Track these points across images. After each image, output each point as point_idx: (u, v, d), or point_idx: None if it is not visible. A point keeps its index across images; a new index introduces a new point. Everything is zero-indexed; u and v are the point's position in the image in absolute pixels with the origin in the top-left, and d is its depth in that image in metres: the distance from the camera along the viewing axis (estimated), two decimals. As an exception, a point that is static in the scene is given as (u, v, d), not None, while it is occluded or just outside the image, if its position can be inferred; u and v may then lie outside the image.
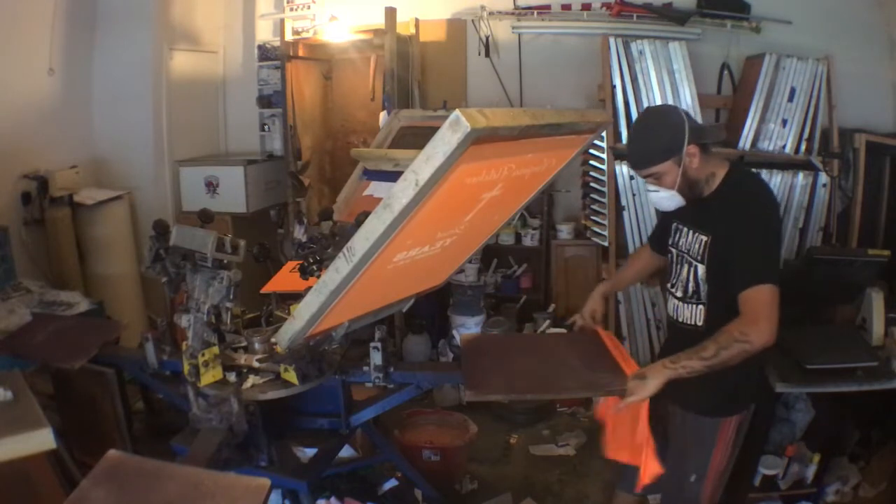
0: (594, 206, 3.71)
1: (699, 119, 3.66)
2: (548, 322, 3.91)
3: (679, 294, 1.92)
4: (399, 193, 1.13)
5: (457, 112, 1.01)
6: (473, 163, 1.16)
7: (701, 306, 1.86)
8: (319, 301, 1.46)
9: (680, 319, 1.93)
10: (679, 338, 1.88)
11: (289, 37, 4.41)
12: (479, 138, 1.04)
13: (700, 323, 1.86)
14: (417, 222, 1.25)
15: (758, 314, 1.64)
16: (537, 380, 1.90)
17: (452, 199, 1.29)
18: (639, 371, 1.76)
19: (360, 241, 1.26)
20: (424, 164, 1.07)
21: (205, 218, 2.04)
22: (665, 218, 2.05)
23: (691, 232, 1.88)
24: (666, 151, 1.76)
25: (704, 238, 1.82)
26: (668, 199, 1.85)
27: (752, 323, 1.64)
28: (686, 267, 1.88)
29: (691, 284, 1.87)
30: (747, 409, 1.97)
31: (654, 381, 1.69)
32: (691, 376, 1.68)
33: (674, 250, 1.96)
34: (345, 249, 1.32)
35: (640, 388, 1.70)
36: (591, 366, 1.92)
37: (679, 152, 1.75)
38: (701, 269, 1.82)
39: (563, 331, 3.68)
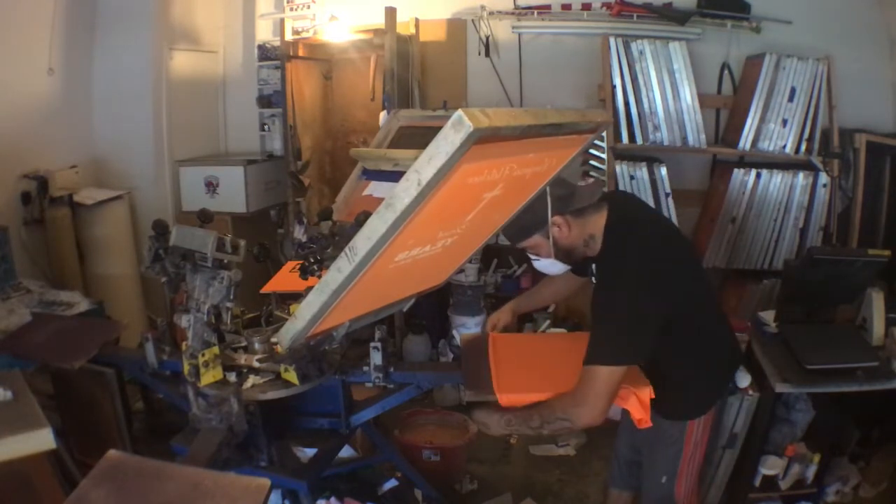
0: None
1: (697, 121, 3.68)
2: (548, 322, 3.91)
3: None
4: (402, 193, 1.13)
5: (460, 112, 1.00)
6: (475, 162, 1.15)
7: None
8: (321, 301, 1.46)
9: None
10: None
11: (289, 37, 4.42)
12: (481, 138, 1.04)
13: (643, 364, 1.82)
14: (419, 222, 1.24)
15: (585, 396, 1.61)
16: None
17: (454, 198, 1.29)
18: (484, 417, 1.77)
19: (363, 241, 1.26)
20: (427, 163, 1.07)
21: (204, 218, 2.03)
22: None
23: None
24: (529, 228, 1.78)
25: None
26: (550, 265, 1.87)
27: (577, 405, 1.62)
28: None
29: None
30: (714, 406, 1.97)
31: (492, 432, 1.76)
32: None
33: None
34: (347, 249, 1.31)
35: (483, 427, 1.79)
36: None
37: (544, 226, 1.75)
38: None
39: (564, 331, 3.69)
